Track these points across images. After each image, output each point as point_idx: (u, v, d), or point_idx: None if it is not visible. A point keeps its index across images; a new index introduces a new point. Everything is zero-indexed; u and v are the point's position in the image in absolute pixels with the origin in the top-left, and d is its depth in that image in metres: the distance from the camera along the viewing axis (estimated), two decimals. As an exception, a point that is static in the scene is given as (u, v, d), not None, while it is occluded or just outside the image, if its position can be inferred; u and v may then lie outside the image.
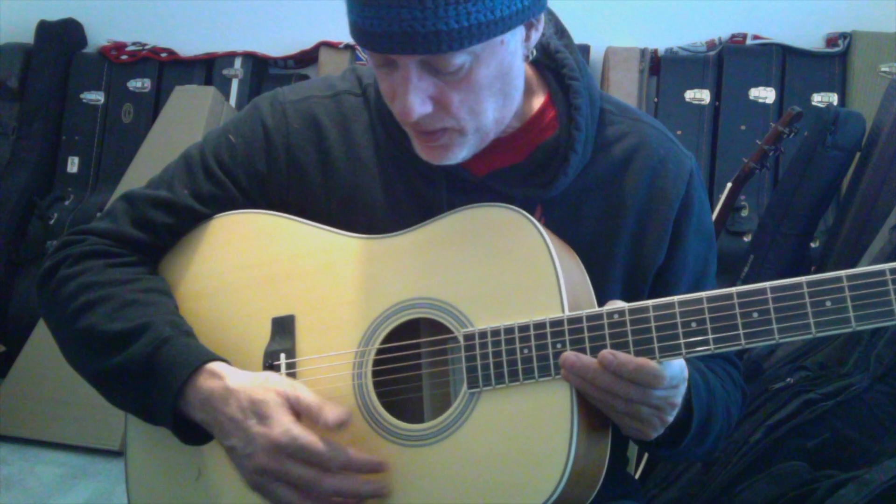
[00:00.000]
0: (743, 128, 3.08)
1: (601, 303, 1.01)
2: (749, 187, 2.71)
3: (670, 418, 0.97)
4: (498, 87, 1.00)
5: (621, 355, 0.92)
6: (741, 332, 0.89)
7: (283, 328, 1.08)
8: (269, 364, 1.07)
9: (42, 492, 2.66)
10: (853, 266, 2.17)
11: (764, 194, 3.00)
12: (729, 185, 2.57)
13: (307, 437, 0.96)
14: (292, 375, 1.07)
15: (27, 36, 3.63)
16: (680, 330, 0.91)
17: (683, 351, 0.91)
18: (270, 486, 0.96)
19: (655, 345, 0.92)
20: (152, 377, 1.02)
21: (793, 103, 2.81)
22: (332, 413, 0.98)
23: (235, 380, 1.00)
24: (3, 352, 3.22)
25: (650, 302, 0.93)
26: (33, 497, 2.63)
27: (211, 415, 0.99)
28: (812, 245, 2.62)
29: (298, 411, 0.99)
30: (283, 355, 1.07)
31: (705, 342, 0.90)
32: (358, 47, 0.99)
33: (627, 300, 1.07)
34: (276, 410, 0.97)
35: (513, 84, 1.02)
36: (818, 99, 3.05)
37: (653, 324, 0.92)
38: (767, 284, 0.89)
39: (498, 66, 0.97)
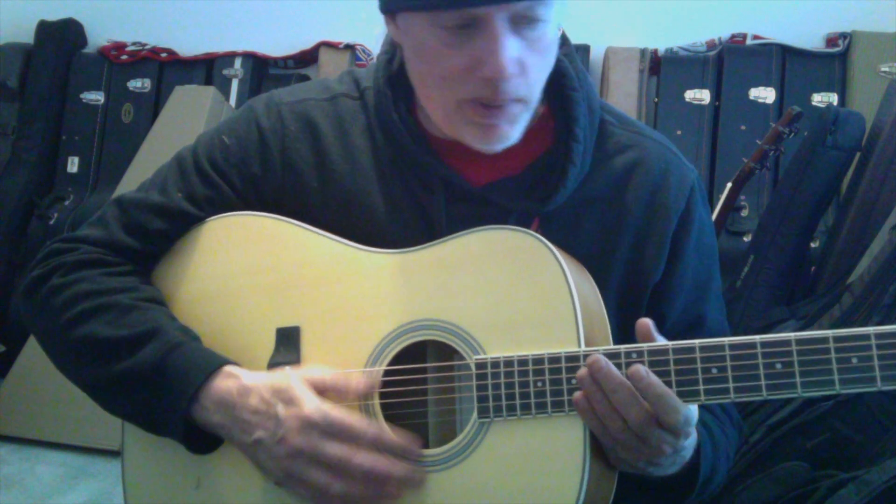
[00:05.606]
0: (743, 128, 3.08)
1: None
2: (749, 187, 2.71)
3: (684, 443, 0.94)
4: (549, 60, 1.00)
5: (654, 376, 0.89)
6: (763, 382, 0.87)
7: (289, 339, 1.06)
8: None
9: (42, 492, 2.66)
10: (853, 266, 2.19)
11: (764, 194, 3.00)
12: (729, 185, 2.57)
13: (338, 412, 0.96)
14: None
15: (27, 36, 3.64)
16: (700, 375, 0.89)
17: (703, 397, 0.89)
18: (303, 469, 0.95)
19: (674, 389, 0.90)
20: (163, 383, 1.00)
21: (793, 103, 2.80)
22: (359, 380, 1.00)
23: (251, 377, 1.00)
24: (3, 352, 3.22)
25: (670, 344, 0.91)
26: (33, 497, 2.63)
27: (229, 413, 0.98)
28: (812, 245, 2.61)
29: (323, 389, 0.99)
30: (288, 368, 1.04)
31: (725, 391, 0.89)
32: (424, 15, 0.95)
33: (623, 314, 1.07)
34: (302, 391, 0.97)
35: (553, 60, 1.02)
36: (818, 99, 3.05)
37: (672, 367, 0.90)
38: (792, 336, 0.87)
39: (554, 35, 0.97)
